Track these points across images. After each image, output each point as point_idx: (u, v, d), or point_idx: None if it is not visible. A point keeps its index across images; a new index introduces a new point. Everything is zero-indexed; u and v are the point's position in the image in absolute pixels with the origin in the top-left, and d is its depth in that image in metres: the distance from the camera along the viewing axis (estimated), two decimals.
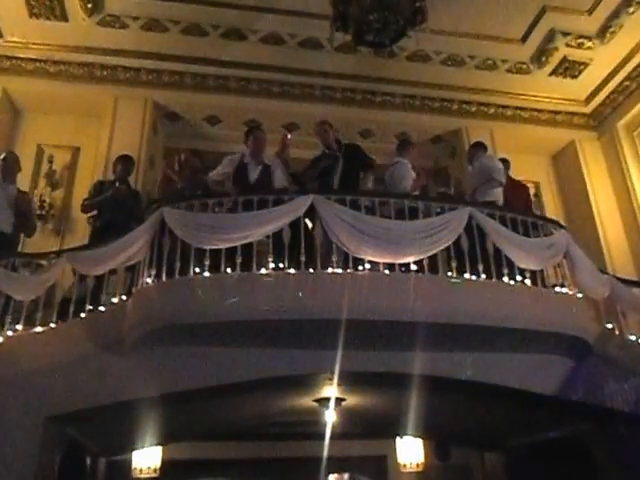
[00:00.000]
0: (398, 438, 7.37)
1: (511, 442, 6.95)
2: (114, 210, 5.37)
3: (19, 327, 4.48)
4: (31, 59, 6.93)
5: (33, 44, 6.85)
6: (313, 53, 7.10)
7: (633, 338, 5.34)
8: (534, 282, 4.79)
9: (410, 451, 7.30)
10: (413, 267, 4.51)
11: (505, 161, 6.20)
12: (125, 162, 5.93)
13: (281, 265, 4.29)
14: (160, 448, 6.48)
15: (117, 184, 5.69)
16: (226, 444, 7.09)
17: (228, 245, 4.26)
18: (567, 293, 4.91)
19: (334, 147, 5.53)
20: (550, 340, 4.63)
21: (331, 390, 5.18)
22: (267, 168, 5.22)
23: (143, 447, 6.07)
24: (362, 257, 4.39)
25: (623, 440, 5.24)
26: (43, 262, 4.84)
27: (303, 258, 4.27)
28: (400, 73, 7.42)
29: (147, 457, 6.42)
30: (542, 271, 4.90)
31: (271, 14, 6.64)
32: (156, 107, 7.27)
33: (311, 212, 4.51)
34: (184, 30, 6.80)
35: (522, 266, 4.74)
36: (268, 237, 4.44)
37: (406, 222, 4.62)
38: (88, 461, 5.56)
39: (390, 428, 6.82)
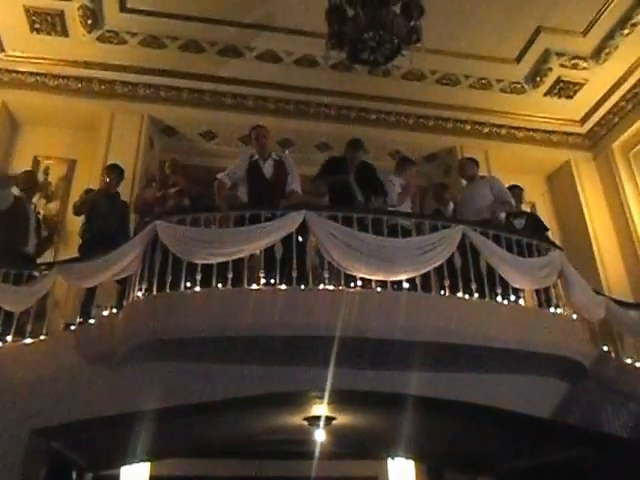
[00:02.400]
0: (389, 459, 7.27)
1: (505, 466, 6.81)
2: (103, 221, 5.37)
3: (9, 338, 4.46)
4: (31, 73, 7.02)
5: (33, 58, 6.94)
6: (308, 71, 7.17)
7: (630, 361, 5.28)
8: (528, 302, 4.76)
9: (401, 473, 7.19)
10: (405, 285, 4.48)
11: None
12: (114, 171, 5.89)
13: (272, 281, 4.26)
14: (148, 464, 6.41)
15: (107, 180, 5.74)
16: (213, 462, 7.06)
17: (220, 260, 4.24)
18: (562, 314, 4.86)
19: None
20: (544, 362, 4.57)
21: (321, 408, 5.11)
22: (280, 163, 5.19)
23: (131, 463, 6.00)
24: (354, 274, 4.36)
25: (621, 466, 5.14)
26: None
27: (295, 274, 4.24)
28: (395, 91, 7.48)
29: (135, 473, 6.34)
30: (537, 291, 4.86)
31: (268, 32, 6.72)
32: (153, 122, 7.34)
33: (303, 228, 4.48)
34: (182, 46, 6.89)
35: (516, 286, 4.72)
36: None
37: (399, 239, 4.59)
38: (74, 475, 5.47)
39: (381, 449, 6.73)
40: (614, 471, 5.28)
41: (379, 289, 4.40)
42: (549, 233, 6.20)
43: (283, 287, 4.22)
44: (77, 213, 5.75)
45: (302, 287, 4.26)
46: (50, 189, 7.08)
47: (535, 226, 5.97)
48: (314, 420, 5.44)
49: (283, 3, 6.32)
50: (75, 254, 5.71)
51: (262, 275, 4.25)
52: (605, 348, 5.28)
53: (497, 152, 7.82)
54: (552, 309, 4.87)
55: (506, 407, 4.68)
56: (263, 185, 5.03)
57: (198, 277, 4.20)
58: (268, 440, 6.47)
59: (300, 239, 4.53)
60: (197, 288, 4.19)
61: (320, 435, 5.59)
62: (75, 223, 6.54)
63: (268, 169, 5.13)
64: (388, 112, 7.71)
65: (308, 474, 6.08)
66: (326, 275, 4.30)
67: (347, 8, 4.83)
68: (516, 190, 6.21)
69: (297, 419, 5.44)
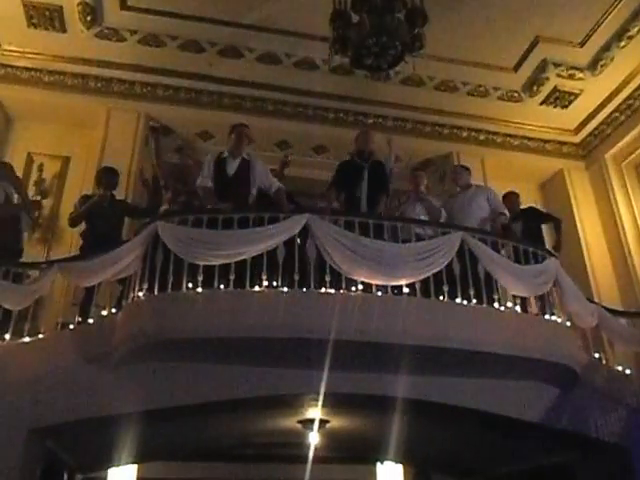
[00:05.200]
0: (379, 464, 7.29)
1: (494, 470, 6.86)
2: (105, 222, 5.30)
3: (7, 337, 4.43)
4: (26, 68, 6.93)
5: (29, 53, 6.85)
6: (308, 73, 7.18)
7: (620, 368, 5.36)
8: (524, 309, 4.82)
9: (390, 477, 7.21)
10: (405, 290, 4.51)
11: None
12: (109, 174, 5.77)
13: (274, 283, 4.27)
14: (135, 466, 6.37)
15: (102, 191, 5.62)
16: (202, 464, 7.01)
17: (222, 261, 4.23)
18: (557, 321, 4.92)
19: (365, 156, 5.56)
20: (538, 368, 4.64)
21: (315, 411, 5.12)
22: (246, 162, 5.15)
23: (119, 465, 5.95)
24: (355, 278, 4.39)
25: (609, 471, 5.22)
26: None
27: (297, 277, 4.25)
28: (393, 96, 7.51)
29: (122, 475, 6.32)
30: (534, 298, 4.92)
31: (269, 33, 6.72)
32: (149, 120, 7.24)
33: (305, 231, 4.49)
34: (181, 46, 6.86)
35: (513, 292, 4.78)
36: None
37: (400, 245, 4.63)
38: (65, 476, 5.42)
39: (372, 452, 6.75)
40: (602, 476, 5.36)
41: (379, 293, 4.43)
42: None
43: (285, 289, 4.24)
44: (73, 225, 5.59)
45: (304, 290, 4.27)
46: (44, 186, 7.01)
47: (529, 224, 6.04)
48: (308, 423, 5.45)
49: (284, 5, 6.31)
50: (69, 251, 5.72)
51: (264, 277, 4.25)
52: (596, 355, 5.36)
53: (492, 159, 7.88)
54: (547, 316, 4.93)
55: (497, 411, 4.74)
56: (226, 182, 5.00)
57: (200, 278, 4.18)
58: (260, 442, 6.47)
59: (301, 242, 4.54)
60: (199, 289, 4.18)
61: (313, 438, 5.59)
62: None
63: (232, 168, 5.10)
64: (385, 116, 7.74)
65: (299, 477, 6.06)
66: (327, 278, 4.31)
67: (352, 14, 4.84)
68: (513, 196, 6.33)
69: (291, 422, 5.44)
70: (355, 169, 5.47)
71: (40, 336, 4.49)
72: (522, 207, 6.43)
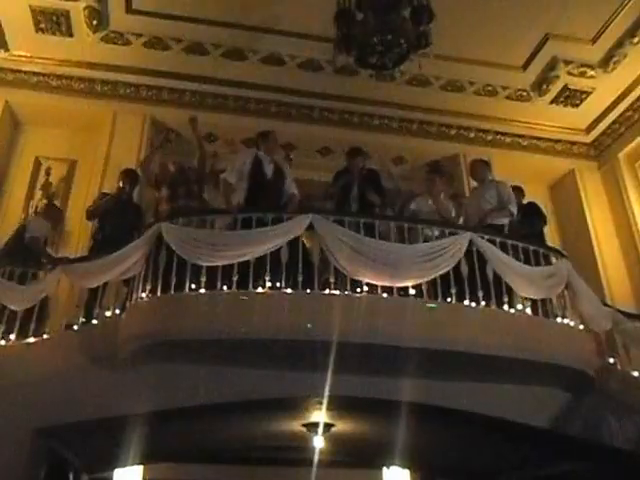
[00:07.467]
0: (385, 468, 7.19)
1: (502, 477, 6.74)
2: (116, 224, 5.32)
3: (12, 337, 4.45)
4: (34, 73, 7.01)
5: (37, 58, 6.93)
6: (312, 75, 7.15)
7: (636, 374, 5.21)
8: (535, 312, 4.71)
9: None
10: (412, 291, 4.44)
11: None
12: (127, 176, 5.87)
13: (278, 284, 4.22)
14: (141, 468, 6.36)
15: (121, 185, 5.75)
16: (207, 467, 7.03)
17: (225, 262, 4.21)
18: (569, 325, 4.81)
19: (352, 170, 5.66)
20: (551, 372, 4.52)
21: (320, 415, 5.06)
22: (279, 168, 5.26)
23: (125, 465, 5.94)
24: (360, 279, 4.32)
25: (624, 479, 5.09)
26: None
27: (300, 278, 4.20)
28: (399, 97, 7.45)
29: (128, 476, 6.34)
30: (544, 300, 4.81)
31: (272, 35, 6.71)
32: (154, 123, 7.28)
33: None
34: (186, 48, 6.88)
35: (523, 294, 4.68)
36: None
37: (406, 245, 4.56)
38: (71, 477, 5.41)
39: (378, 457, 6.67)
40: None
41: (385, 295, 4.35)
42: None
43: (289, 291, 4.19)
44: (89, 218, 5.74)
45: (308, 291, 4.22)
46: (51, 189, 7.06)
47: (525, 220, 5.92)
48: (312, 426, 5.37)
49: (288, 6, 6.30)
50: (75, 253, 5.75)
51: (268, 278, 4.20)
52: (611, 360, 5.23)
53: (501, 160, 7.70)
54: (559, 319, 4.82)
55: (508, 417, 4.64)
56: (263, 184, 5.06)
57: (203, 279, 4.16)
58: (265, 445, 6.40)
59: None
60: (202, 290, 4.15)
61: (318, 442, 5.51)
62: (74, 223, 6.53)
63: (269, 170, 5.16)
64: (391, 117, 7.68)
65: None
66: (332, 280, 4.26)
67: (356, 12, 4.78)
68: (516, 191, 6.13)
69: (295, 425, 5.39)
70: (346, 179, 5.56)
71: (45, 337, 4.51)
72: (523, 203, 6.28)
